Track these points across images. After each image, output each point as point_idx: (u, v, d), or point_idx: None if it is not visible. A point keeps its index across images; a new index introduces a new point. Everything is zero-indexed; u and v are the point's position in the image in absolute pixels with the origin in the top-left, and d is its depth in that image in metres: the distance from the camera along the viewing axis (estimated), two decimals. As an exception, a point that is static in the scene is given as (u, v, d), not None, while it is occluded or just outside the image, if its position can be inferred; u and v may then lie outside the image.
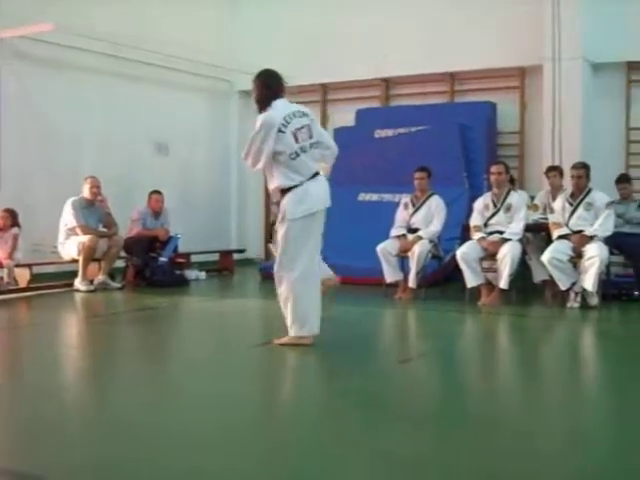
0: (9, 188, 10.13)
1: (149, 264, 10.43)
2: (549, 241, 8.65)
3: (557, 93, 10.71)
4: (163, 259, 10.47)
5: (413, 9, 12.12)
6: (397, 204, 9.76)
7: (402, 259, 9.28)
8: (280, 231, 5.92)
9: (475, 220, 9.05)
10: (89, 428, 4.05)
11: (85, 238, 9.65)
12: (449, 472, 3.38)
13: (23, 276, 9.46)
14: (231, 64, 12.82)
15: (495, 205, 8.97)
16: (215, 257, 12.60)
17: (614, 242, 8.59)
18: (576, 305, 8.28)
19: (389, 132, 11.90)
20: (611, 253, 8.57)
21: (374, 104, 12.87)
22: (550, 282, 8.65)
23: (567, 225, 8.52)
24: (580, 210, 8.54)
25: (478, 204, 9.15)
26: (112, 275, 10.28)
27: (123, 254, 10.47)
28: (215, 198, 13.73)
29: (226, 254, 12.72)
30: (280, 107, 5.95)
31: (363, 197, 11.71)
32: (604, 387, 5.32)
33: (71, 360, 6.06)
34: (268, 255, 12.74)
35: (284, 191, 5.90)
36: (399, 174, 10.46)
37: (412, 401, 4.67)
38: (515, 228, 8.73)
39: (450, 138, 11.30)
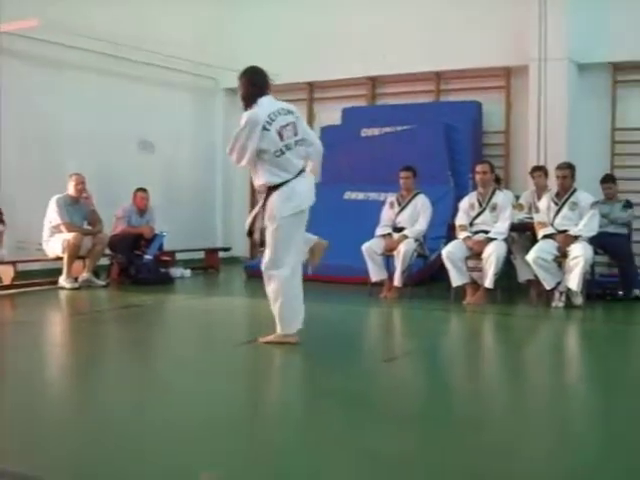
0: (-7, 185, 10.10)
1: (134, 262, 10.39)
2: (534, 241, 8.68)
3: (543, 93, 10.74)
4: (148, 257, 10.44)
5: (400, 9, 12.11)
6: (383, 203, 9.78)
7: (387, 258, 9.29)
8: (269, 229, 5.91)
9: (460, 219, 9.07)
10: (75, 426, 4.04)
11: (70, 235, 9.61)
12: (434, 471, 3.39)
13: (7, 273, 9.42)
14: (216, 61, 12.78)
15: (480, 204, 8.99)
16: (200, 255, 12.58)
17: (599, 242, 8.63)
18: (561, 304, 8.31)
19: (375, 131, 11.90)
20: (596, 253, 8.61)
21: (360, 103, 12.87)
22: (535, 281, 8.68)
23: (552, 225, 8.55)
24: (565, 210, 8.57)
25: (463, 203, 9.17)
26: (97, 273, 10.24)
27: (108, 252, 10.43)
28: (200, 196, 13.70)
29: (211, 252, 12.70)
30: (265, 104, 5.94)
31: (349, 196, 11.70)
32: (588, 386, 5.34)
33: (56, 358, 6.04)
34: (254, 253, 12.74)
35: (271, 189, 5.89)
36: (385, 173, 10.46)
37: (397, 400, 4.67)
38: (500, 227, 8.75)
39: (436, 137, 11.31)
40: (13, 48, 10.31)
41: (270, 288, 6.00)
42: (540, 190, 9.55)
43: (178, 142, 13.14)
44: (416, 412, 4.40)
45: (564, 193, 8.63)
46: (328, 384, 5.03)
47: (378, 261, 9.24)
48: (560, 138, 10.63)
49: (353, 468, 3.39)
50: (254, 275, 9.94)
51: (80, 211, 10.08)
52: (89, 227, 10.14)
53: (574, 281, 8.13)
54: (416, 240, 9.23)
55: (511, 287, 9.28)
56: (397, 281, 9.07)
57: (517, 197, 9.90)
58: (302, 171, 5.98)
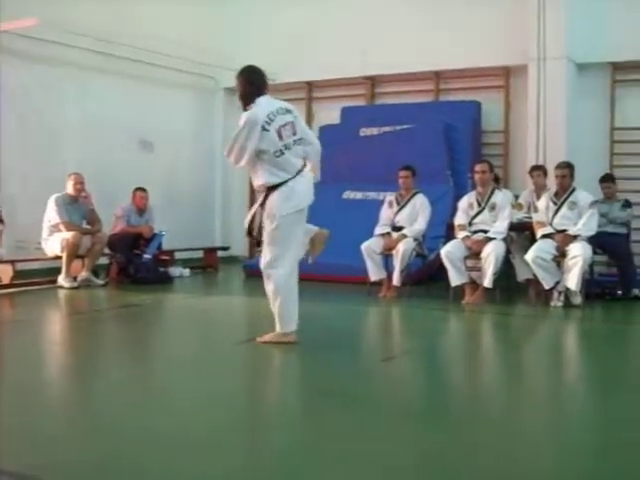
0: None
1: (133, 261, 10.39)
2: (533, 240, 8.68)
3: (542, 93, 10.74)
4: (147, 256, 10.44)
5: (399, 8, 12.11)
6: (382, 202, 9.78)
7: (386, 257, 9.29)
8: (268, 228, 5.91)
9: (459, 219, 9.07)
10: (73, 426, 4.04)
11: (69, 235, 9.61)
12: (434, 470, 3.39)
13: (6, 272, 9.41)
14: (216, 61, 12.79)
15: (479, 204, 8.99)
16: (199, 254, 12.58)
17: (597, 241, 8.63)
18: (559, 304, 8.31)
19: (374, 130, 11.90)
20: (594, 252, 8.60)
21: (359, 102, 12.88)
22: (534, 281, 8.68)
23: (551, 224, 8.56)
24: (564, 209, 8.57)
25: (462, 203, 9.16)
26: (96, 272, 10.24)
27: (107, 251, 10.43)
28: (200, 195, 13.70)
29: (210, 251, 12.70)
30: (264, 104, 5.93)
31: (348, 195, 11.70)
32: (587, 386, 5.34)
33: (55, 357, 6.04)
34: (252, 252, 12.73)
35: (270, 189, 5.89)
36: (384, 172, 10.47)
37: (395, 399, 4.67)
38: (499, 227, 8.75)
39: (435, 137, 11.31)
40: (12, 47, 10.30)
41: (269, 287, 6.00)
42: (539, 189, 9.55)
43: (177, 141, 13.14)
44: (414, 411, 4.40)
45: (563, 192, 8.63)
46: (326, 383, 5.03)
47: (377, 260, 9.24)
48: (559, 137, 10.63)
49: (352, 468, 3.39)
50: (253, 274, 9.94)
51: (79, 210, 10.07)
52: (88, 226, 10.13)
53: (573, 280, 8.13)
54: (415, 239, 9.23)
55: (510, 287, 9.28)
56: (396, 280, 9.07)
57: (516, 196, 9.90)
58: (301, 170, 5.98)
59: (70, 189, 9.96)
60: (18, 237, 9.95)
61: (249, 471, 3.38)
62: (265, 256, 5.99)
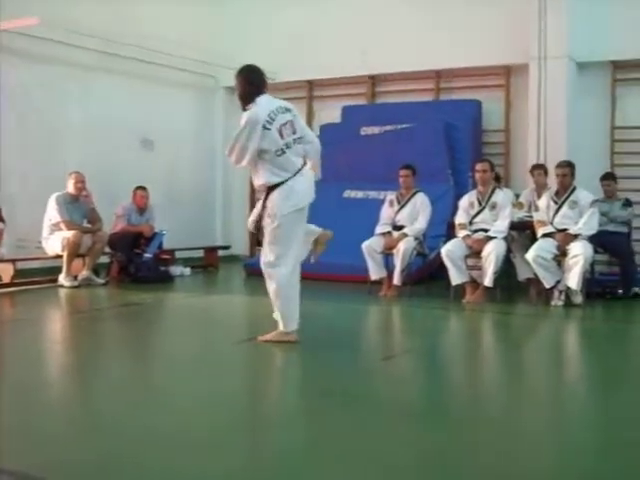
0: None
1: (133, 260, 10.39)
2: (534, 239, 8.68)
3: (542, 92, 10.73)
4: (148, 255, 10.44)
5: (400, 7, 12.10)
6: (382, 201, 9.78)
7: (387, 256, 9.29)
8: (269, 228, 5.91)
9: (460, 218, 9.06)
10: (73, 425, 4.04)
11: (69, 233, 9.60)
12: (434, 469, 3.39)
13: (7, 271, 9.41)
14: (216, 60, 12.77)
15: (480, 203, 8.99)
16: (200, 253, 12.57)
17: (598, 240, 8.62)
18: (560, 303, 8.31)
19: (375, 129, 11.89)
20: (595, 251, 8.60)
21: (360, 101, 12.87)
22: (534, 280, 8.68)
23: (552, 223, 8.55)
24: (565, 208, 8.57)
25: (463, 202, 9.16)
26: (96, 271, 10.23)
27: (107, 250, 10.42)
28: (200, 194, 13.69)
29: (211, 250, 12.69)
30: (264, 103, 5.93)
31: (348, 194, 11.70)
32: (588, 385, 5.34)
33: (55, 356, 6.04)
34: (253, 251, 12.73)
35: (270, 188, 5.89)
36: (384, 171, 10.47)
37: (395, 398, 4.67)
38: (500, 226, 8.75)
39: (436, 136, 11.30)
40: (13, 46, 10.29)
41: (272, 287, 5.99)
42: (540, 188, 9.55)
43: (178, 140, 13.13)
44: (415, 410, 4.40)
45: (564, 191, 8.63)
46: (326, 382, 5.03)
47: (378, 259, 9.24)
48: (560, 136, 10.62)
49: (353, 467, 3.39)
50: (253, 273, 9.94)
51: (80, 209, 10.07)
52: (89, 225, 10.13)
53: (574, 280, 8.13)
54: (416, 238, 9.23)
55: (511, 286, 9.28)
56: (396, 279, 9.07)
57: (517, 195, 9.90)
58: (300, 169, 5.97)
59: (71, 188, 9.96)
60: (19, 236, 9.94)
61: (250, 470, 3.38)
62: (266, 255, 5.99)
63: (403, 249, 9.01)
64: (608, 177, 9.59)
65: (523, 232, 9.12)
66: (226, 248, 13.25)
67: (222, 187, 14.05)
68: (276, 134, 5.83)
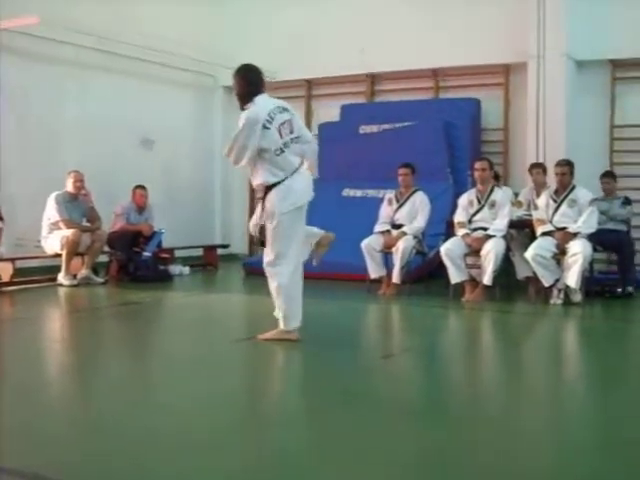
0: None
1: (133, 259, 10.39)
2: (533, 238, 8.68)
3: (541, 90, 10.74)
4: (147, 254, 10.44)
5: (399, 5, 12.10)
6: (381, 200, 9.78)
7: (386, 255, 9.29)
8: (269, 227, 5.91)
9: (459, 216, 9.06)
10: (73, 424, 4.04)
11: (68, 232, 9.60)
12: (434, 468, 3.39)
13: (6, 270, 9.40)
14: (215, 59, 12.76)
15: (479, 201, 8.99)
16: (199, 252, 12.57)
17: (598, 239, 8.62)
18: (559, 302, 8.30)
19: (374, 128, 11.88)
20: (594, 250, 8.59)
21: (359, 100, 12.87)
22: (533, 279, 8.68)
23: (551, 222, 8.55)
24: (564, 207, 8.57)
25: (462, 200, 9.16)
26: (95, 270, 10.23)
27: (107, 249, 10.42)
28: (199, 193, 13.69)
29: (210, 249, 12.69)
30: (263, 103, 5.93)
31: (347, 193, 11.70)
32: (586, 383, 5.34)
33: (54, 355, 6.04)
34: (252, 250, 12.73)
35: (268, 187, 5.89)
36: (383, 170, 10.46)
37: (394, 397, 4.67)
38: (499, 224, 8.75)
39: (435, 134, 11.30)
40: (13, 45, 10.29)
41: (273, 285, 6.00)
42: (539, 187, 9.55)
43: (177, 139, 13.13)
44: (414, 409, 4.40)
45: (563, 190, 8.63)
46: (326, 381, 5.03)
47: (377, 258, 9.24)
48: (559, 135, 10.62)
49: (353, 465, 3.40)
50: (253, 272, 9.95)
51: (79, 208, 10.07)
52: (88, 224, 10.13)
53: (573, 278, 8.13)
54: (415, 237, 9.23)
55: (510, 284, 9.28)
56: (396, 278, 9.07)
57: (516, 194, 9.90)
58: (298, 168, 5.97)
59: (70, 187, 9.96)
60: (18, 235, 9.94)
61: (250, 469, 3.37)
62: (267, 255, 5.99)
63: (402, 248, 9.01)
64: (608, 175, 9.62)
65: (522, 231, 9.13)
66: (225, 247, 13.25)
67: (221, 186, 14.05)
68: (276, 133, 5.84)
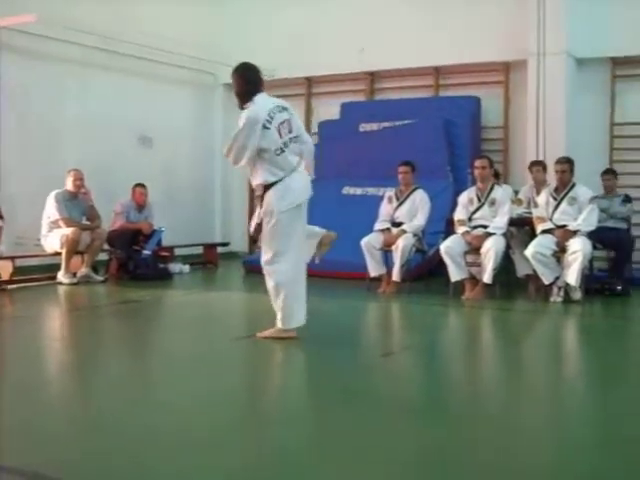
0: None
1: (132, 257, 10.38)
2: (533, 235, 8.68)
3: (541, 88, 10.73)
4: (147, 252, 10.43)
5: (399, 4, 12.09)
6: (381, 198, 9.77)
7: (386, 253, 9.28)
8: (267, 225, 5.91)
9: (459, 214, 9.06)
10: (73, 423, 4.04)
11: (68, 231, 9.59)
12: (434, 465, 3.39)
13: (6, 269, 9.38)
14: (215, 57, 12.75)
15: (479, 199, 8.99)
16: (199, 250, 12.56)
17: (598, 237, 8.62)
18: (559, 299, 8.31)
19: (374, 126, 11.88)
20: (594, 248, 8.59)
21: (359, 98, 12.86)
22: (533, 276, 8.68)
23: (551, 219, 8.55)
24: (564, 205, 8.56)
25: (462, 198, 9.16)
26: (95, 268, 10.22)
27: (106, 247, 10.41)
28: (199, 191, 13.68)
29: (210, 247, 12.68)
30: (262, 102, 5.92)
31: (347, 191, 11.69)
32: (586, 381, 5.35)
33: (54, 353, 6.04)
34: (252, 248, 12.73)
35: (267, 187, 5.89)
36: (383, 168, 10.46)
37: (394, 395, 4.67)
38: (499, 222, 8.75)
39: (435, 132, 11.30)
40: (12, 43, 10.29)
41: (271, 284, 5.99)
42: (539, 185, 9.54)
43: (177, 137, 13.12)
44: (414, 407, 4.40)
45: (563, 188, 8.63)
46: (326, 379, 5.04)
47: (377, 256, 9.24)
48: (559, 133, 10.62)
49: (353, 463, 3.39)
50: (252, 270, 9.94)
51: (79, 206, 10.06)
52: (88, 222, 10.13)
53: (573, 276, 8.13)
54: (415, 235, 9.22)
55: (510, 282, 9.28)
56: (396, 276, 9.06)
57: (516, 192, 9.90)
58: (296, 167, 5.97)
59: (70, 185, 9.96)
60: (18, 233, 9.94)
61: (250, 467, 3.37)
62: (265, 253, 5.99)
63: (402, 246, 9.01)
64: (609, 172, 9.67)
65: (522, 228, 9.13)
66: (225, 245, 13.24)
67: (221, 184, 14.04)
68: (275, 133, 5.84)
